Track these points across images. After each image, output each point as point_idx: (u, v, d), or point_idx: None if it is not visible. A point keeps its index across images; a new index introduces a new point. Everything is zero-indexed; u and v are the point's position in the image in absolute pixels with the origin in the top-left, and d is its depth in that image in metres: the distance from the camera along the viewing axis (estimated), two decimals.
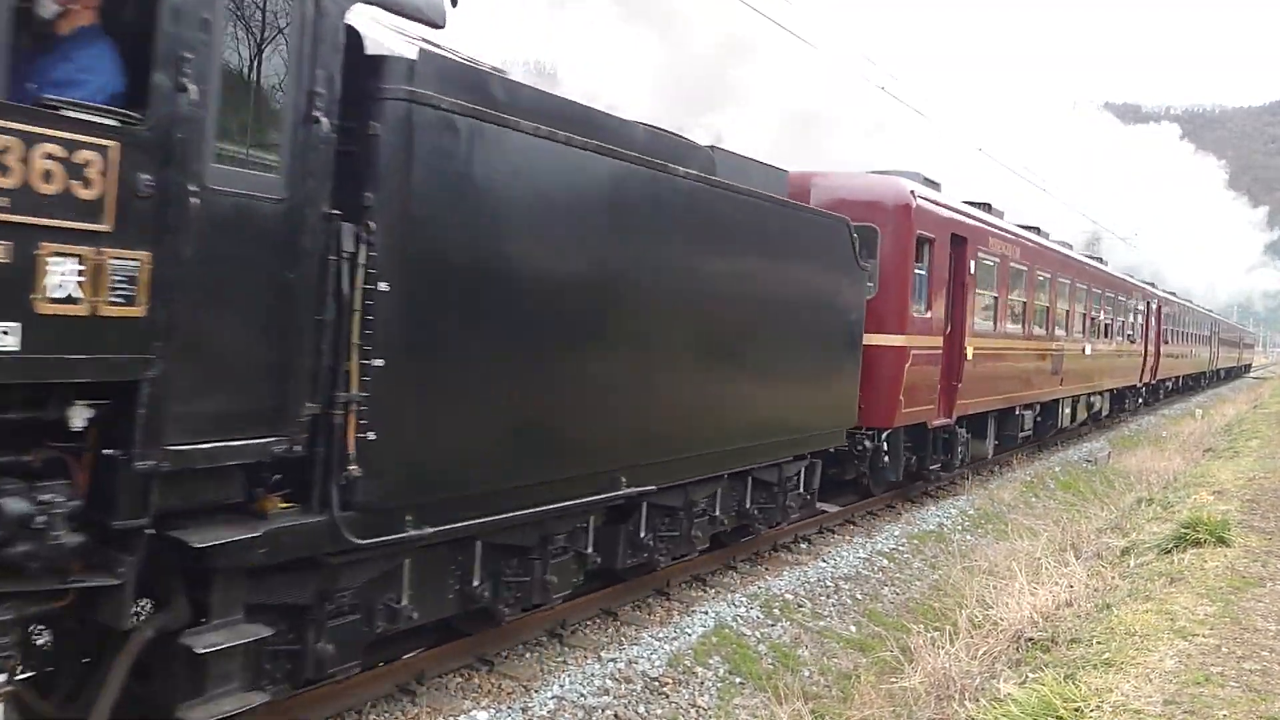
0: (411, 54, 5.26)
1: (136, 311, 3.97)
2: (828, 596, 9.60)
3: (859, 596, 9.87)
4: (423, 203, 5.34)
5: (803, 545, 11.28)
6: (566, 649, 7.50)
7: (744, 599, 8.86)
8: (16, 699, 4.20)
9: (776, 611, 8.80)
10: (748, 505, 9.56)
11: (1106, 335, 23.84)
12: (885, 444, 12.23)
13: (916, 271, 12.50)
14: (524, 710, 6.23)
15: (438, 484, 5.69)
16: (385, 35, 5.34)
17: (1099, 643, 6.88)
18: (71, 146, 3.69)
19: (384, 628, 5.72)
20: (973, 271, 14.31)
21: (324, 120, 4.70)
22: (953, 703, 6.64)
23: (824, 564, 10.46)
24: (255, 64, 4.58)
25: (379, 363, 5.05)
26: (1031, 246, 17.70)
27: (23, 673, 4.16)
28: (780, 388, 9.44)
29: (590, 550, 7.31)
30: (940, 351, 13.30)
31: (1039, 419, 18.95)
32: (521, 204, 6.05)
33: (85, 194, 3.75)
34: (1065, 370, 19.54)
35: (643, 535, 7.96)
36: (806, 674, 7.93)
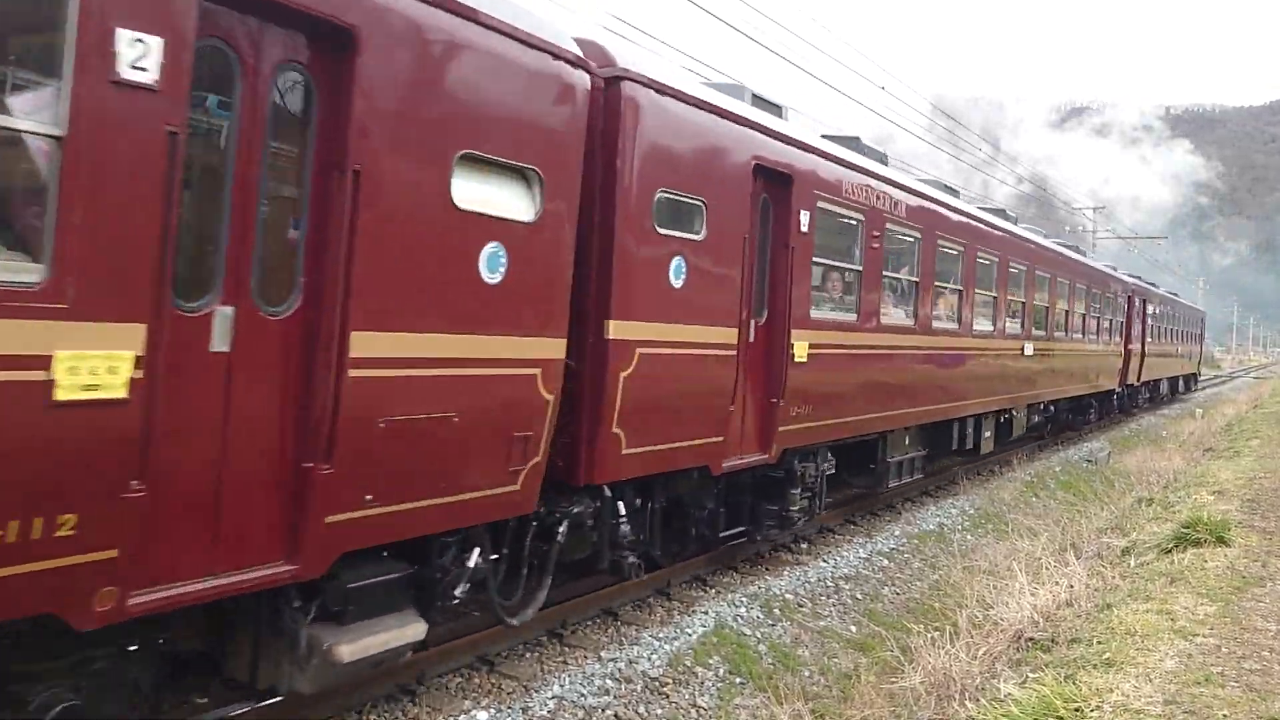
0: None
1: None
2: (828, 596, 9.60)
3: (859, 596, 9.87)
4: None
5: (803, 545, 11.28)
6: (567, 649, 7.50)
7: (744, 599, 8.86)
8: None
9: (777, 611, 8.80)
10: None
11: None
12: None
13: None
14: (524, 710, 6.23)
15: None
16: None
17: (1099, 642, 6.88)
18: None
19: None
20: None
21: None
22: (953, 703, 6.64)
23: (824, 564, 10.46)
24: None
25: None
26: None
27: None
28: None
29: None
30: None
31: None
32: None
33: None
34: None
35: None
36: (807, 674, 7.93)
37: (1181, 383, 41.38)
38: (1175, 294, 40.70)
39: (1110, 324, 24.58)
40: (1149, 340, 29.64)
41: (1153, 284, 34.07)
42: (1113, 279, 25.40)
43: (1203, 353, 50.95)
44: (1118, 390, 26.56)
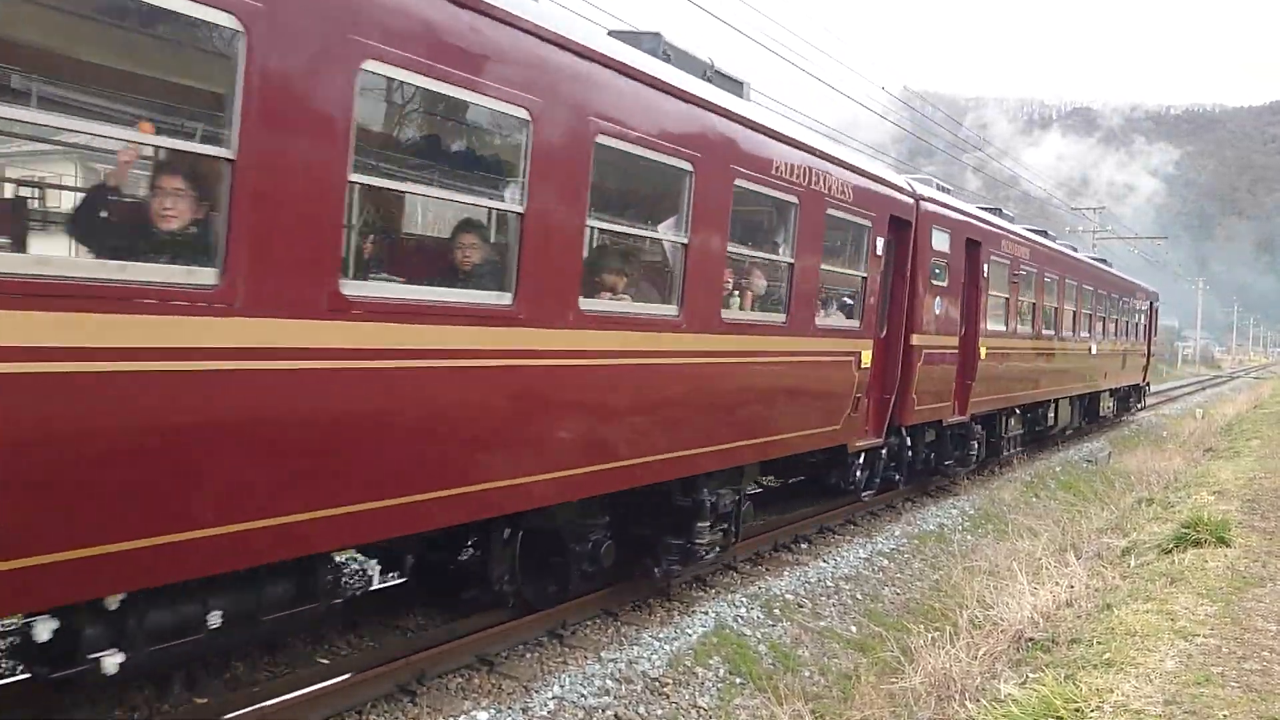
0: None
1: None
2: (828, 597, 9.60)
3: (859, 597, 9.87)
4: None
5: (803, 545, 11.27)
6: (567, 649, 7.50)
7: (744, 599, 8.85)
8: None
9: (777, 612, 8.80)
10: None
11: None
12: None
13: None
14: (524, 710, 6.23)
15: None
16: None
17: (1099, 643, 6.88)
18: None
19: None
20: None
21: None
22: (953, 703, 6.64)
23: (824, 564, 10.46)
24: None
25: None
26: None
27: None
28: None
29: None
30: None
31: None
32: None
33: None
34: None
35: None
36: (807, 674, 7.93)
37: (1111, 404, 25.70)
38: (1105, 260, 25.45)
39: (818, 282, 9.49)
40: (999, 326, 15.65)
41: (1044, 231, 19.67)
42: (855, 175, 10.06)
43: (1152, 352, 30.68)
44: (857, 446, 11.12)
